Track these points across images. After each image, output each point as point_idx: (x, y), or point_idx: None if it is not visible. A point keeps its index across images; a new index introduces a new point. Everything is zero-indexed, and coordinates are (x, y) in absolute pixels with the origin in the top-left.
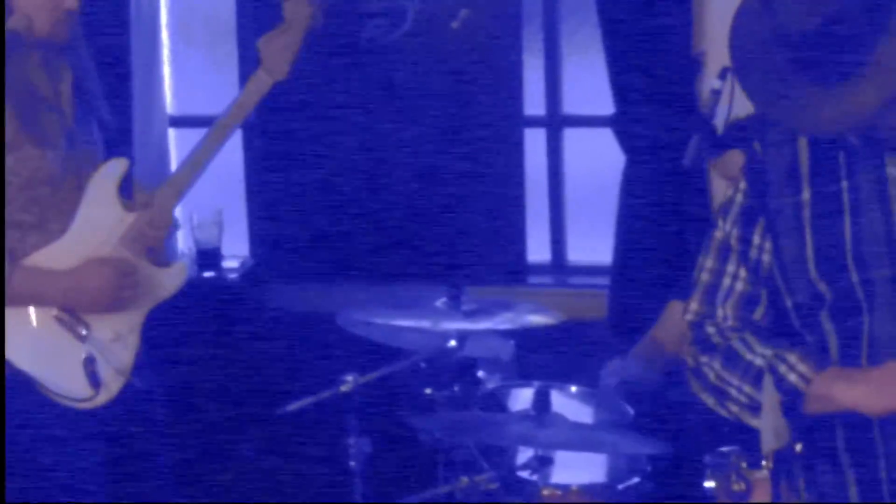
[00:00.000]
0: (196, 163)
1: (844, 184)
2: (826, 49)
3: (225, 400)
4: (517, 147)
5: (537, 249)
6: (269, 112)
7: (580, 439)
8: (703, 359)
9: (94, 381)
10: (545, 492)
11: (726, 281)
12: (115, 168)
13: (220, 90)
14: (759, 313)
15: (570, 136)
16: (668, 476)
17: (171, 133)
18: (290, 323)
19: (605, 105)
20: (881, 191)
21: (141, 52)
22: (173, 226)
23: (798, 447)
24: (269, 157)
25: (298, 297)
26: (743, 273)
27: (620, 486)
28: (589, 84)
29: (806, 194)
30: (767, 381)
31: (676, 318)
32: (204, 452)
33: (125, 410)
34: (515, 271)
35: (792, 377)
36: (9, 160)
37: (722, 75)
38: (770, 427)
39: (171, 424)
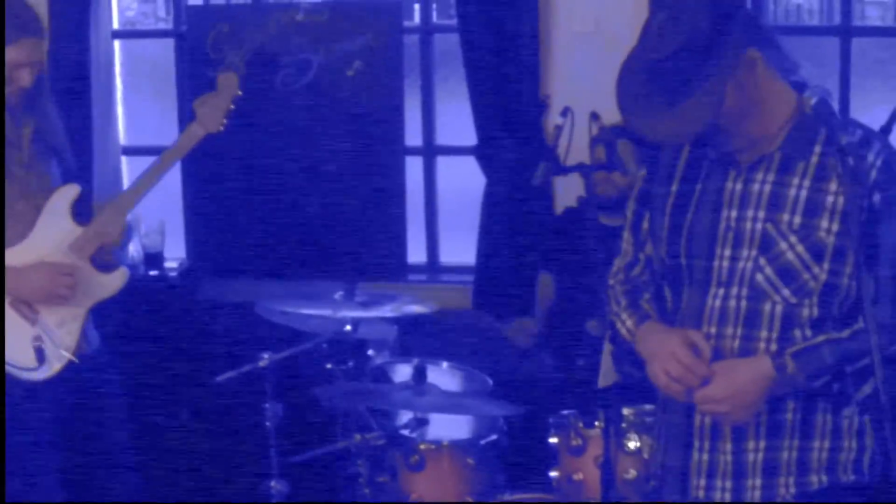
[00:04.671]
0: (136, 191)
1: (698, 186)
2: (673, 74)
3: (166, 373)
4: (399, 171)
5: (416, 252)
6: (203, 141)
7: (450, 404)
8: (612, 304)
9: (40, 356)
10: (422, 446)
11: (624, 245)
12: (69, 192)
13: (163, 125)
14: (636, 272)
15: (442, 162)
16: (520, 433)
17: (124, 160)
18: (219, 311)
19: (469, 137)
20: (717, 199)
21: (99, 95)
22: (125, 238)
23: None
24: (203, 178)
25: (226, 290)
26: (630, 240)
27: (482, 442)
28: (457, 121)
29: (674, 187)
30: (606, 334)
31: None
32: (147, 415)
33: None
34: (398, 270)
35: (623, 331)
36: None
37: (563, 113)
38: (603, 369)
39: (120, 393)
